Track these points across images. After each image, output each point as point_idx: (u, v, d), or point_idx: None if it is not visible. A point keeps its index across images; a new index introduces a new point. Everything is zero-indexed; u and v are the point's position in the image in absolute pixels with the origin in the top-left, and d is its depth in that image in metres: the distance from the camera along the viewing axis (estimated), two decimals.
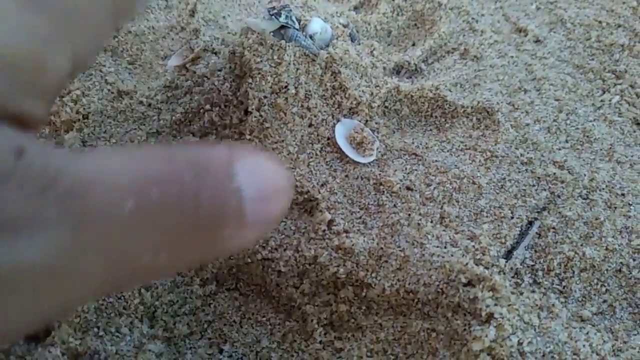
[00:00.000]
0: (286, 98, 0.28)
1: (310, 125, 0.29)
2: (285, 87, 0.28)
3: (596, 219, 0.28)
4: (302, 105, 0.29)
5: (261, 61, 0.27)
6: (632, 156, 0.32)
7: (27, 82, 0.14)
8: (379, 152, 0.30)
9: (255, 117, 0.28)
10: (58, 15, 0.15)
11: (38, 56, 0.15)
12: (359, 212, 0.28)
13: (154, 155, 0.16)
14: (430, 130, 0.33)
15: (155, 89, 0.32)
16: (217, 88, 0.28)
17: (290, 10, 0.29)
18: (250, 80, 0.28)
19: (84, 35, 0.16)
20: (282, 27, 0.29)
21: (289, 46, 0.28)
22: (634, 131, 0.33)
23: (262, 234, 0.19)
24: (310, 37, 0.29)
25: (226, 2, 0.37)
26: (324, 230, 0.27)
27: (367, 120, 0.31)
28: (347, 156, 0.29)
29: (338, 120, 0.30)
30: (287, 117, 0.28)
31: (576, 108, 0.33)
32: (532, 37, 0.37)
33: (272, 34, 0.28)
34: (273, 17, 0.28)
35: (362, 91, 0.31)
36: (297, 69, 0.28)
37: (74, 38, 0.16)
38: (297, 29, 0.29)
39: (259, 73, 0.27)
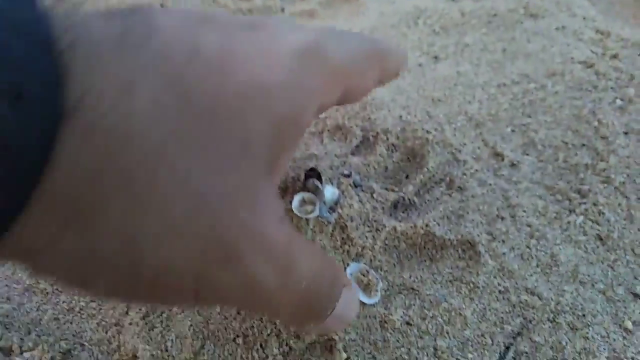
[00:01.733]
0: None
1: None
2: None
3: (559, 343, 0.35)
4: None
5: None
6: (593, 274, 0.38)
7: None
8: (383, 290, 0.37)
9: None
10: None
11: None
12: (369, 347, 0.35)
13: None
14: (424, 261, 0.40)
15: None
16: None
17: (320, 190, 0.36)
18: None
19: None
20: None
21: (309, 221, 0.35)
22: (597, 247, 0.40)
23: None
24: (324, 202, 0.37)
25: None
26: None
27: (371, 260, 0.38)
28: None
29: (347, 265, 0.37)
30: None
31: (545, 232, 0.40)
32: (508, 162, 0.44)
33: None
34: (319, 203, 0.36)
35: (365, 237, 0.38)
36: (314, 232, 0.36)
37: None
38: (323, 202, 0.36)
39: None
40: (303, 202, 0.35)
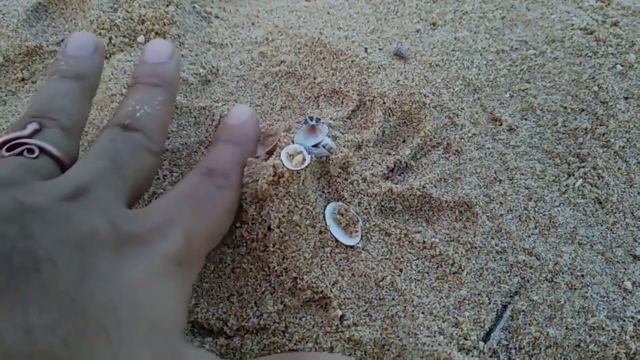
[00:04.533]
0: (300, 214, 0.35)
1: (320, 232, 0.36)
2: (300, 207, 0.35)
3: (558, 302, 0.34)
4: (313, 217, 0.36)
5: (277, 193, 0.34)
6: (592, 236, 0.38)
7: None
8: (371, 236, 0.37)
9: (276, 233, 0.34)
10: None
11: None
12: (364, 305, 0.34)
13: None
14: (420, 222, 0.39)
15: None
16: (245, 209, 0.35)
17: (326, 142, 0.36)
18: (270, 204, 0.34)
19: None
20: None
21: (301, 174, 0.34)
22: (596, 210, 0.40)
23: None
24: (323, 146, 0.36)
25: None
26: (337, 325, 0.33)
27: (365, 220, 0.38)
28: (339, 242, 0.36)
29: (326, 205, 0.37)
30: (302, 229, 0.35)
31: (544, 195, 0.40)
32: (506, 126, 0.44)
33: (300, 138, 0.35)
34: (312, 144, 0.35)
35: (361, 198, 0.38)
36: (307, 190, 0.35)
37: None
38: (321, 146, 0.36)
39: (277, 198, 0.34)
40: (290, 156, 0.34)
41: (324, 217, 0.36)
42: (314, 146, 0.36)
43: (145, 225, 0.25)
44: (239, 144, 0.34)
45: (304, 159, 0.33)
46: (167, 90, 0.32)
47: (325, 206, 0.37)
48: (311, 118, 0.36)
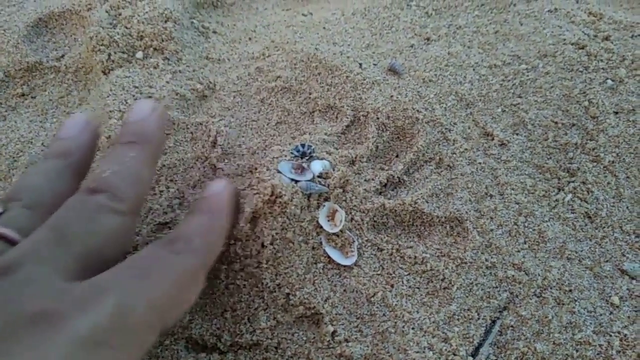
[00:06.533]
0: (293, 231, 0.35)
1: (313, 249, 0.37)
2: (293, 224, 0.35)
3: (546, 317, 0.35)
4: (306, 234, 0.36)
5: (272, 213, 0.35)
6: (581, 251, 0.39)
7: None
8: (364, 251, 0.37)
9: (269, 249, 0.35)
10: None
11: None
12: (355, 321, 0.35)
13: None
14: (412, 237, 0.40)
15: None
16: (240, 228, 0.36)
17: (311, 170, 0.37)
18: (264, 222, 0.35)
19: None
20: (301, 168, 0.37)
21: (295, 197, 0.35)
22: (585, 225, 0.40)
23: None
24: (319, 176, 0.37)
25: (240, 130, 0.45)
26: (328, 341, 0.34)
27: (357, 236, 0.38)
28: (334, 261, 0.36)
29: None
30: (295, 245, 0.36)
31: (534, 210, 0.40)
32: (498, 141, 0.44)
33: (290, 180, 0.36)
34: (302, 178, 0.36)
35: (354, 214, 0.38)
36: (302, 208, 0.36)
37: None
38: (311, 181, 0.36)
39: (272, 216, 0.35)
40: (328, 217, 0.37)
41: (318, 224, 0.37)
42: (309, 180, 0.37)
43: (66, 298, 0.22)
44: (211, 212, 0.32)
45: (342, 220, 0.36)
46: (143, 146, 0.31)
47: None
48: (303, 145, 0.37)
